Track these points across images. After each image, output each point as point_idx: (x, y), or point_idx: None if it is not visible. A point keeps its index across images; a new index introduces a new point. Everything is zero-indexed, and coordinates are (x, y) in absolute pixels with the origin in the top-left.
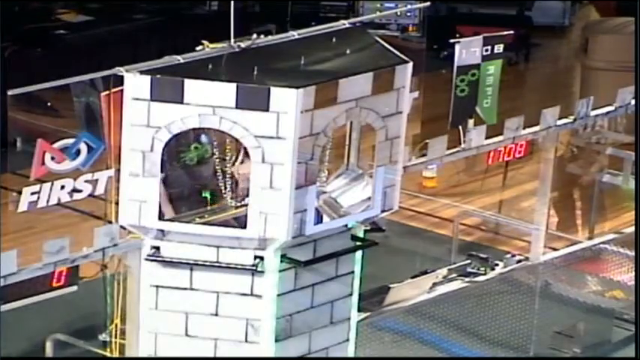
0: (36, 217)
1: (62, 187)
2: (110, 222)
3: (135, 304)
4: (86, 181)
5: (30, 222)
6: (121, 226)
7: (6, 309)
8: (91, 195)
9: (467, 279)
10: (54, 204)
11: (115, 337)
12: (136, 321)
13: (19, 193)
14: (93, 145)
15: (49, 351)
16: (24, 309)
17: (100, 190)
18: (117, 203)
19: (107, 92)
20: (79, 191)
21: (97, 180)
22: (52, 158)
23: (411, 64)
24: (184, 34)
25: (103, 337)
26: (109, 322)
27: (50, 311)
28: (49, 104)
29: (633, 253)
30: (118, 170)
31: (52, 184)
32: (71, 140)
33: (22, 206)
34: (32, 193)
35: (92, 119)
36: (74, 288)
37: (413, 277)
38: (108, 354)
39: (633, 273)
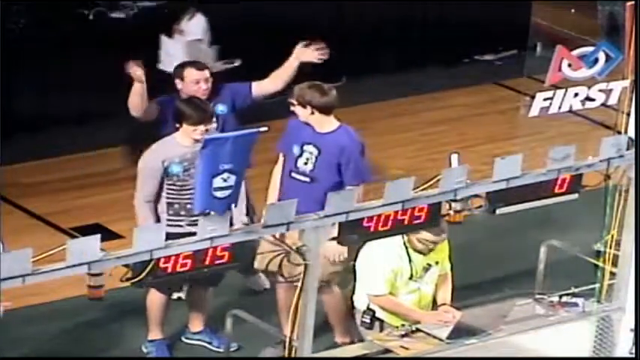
0: (546, 122)
1: (575, 95)
2: (619, 132)
3: (633, 217)
4: (600, 90)
5: (539, 127)
6: (629, 138)
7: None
8: (603, 104)
9: None
10: (565, 111)
11: (610, 248)
12: (631, 234)
13: (533, 97)
14: (611, 55)
15: None
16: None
17: (612, 100)
18: (628, 114)
19: (633, 1)
20: (592, 100)
21: (611, 90)
22: (569, 65)
23: None
24: None
25: (597, 246)
26: (605, 233)
27: (546, 218)
28: (572, 10)
29: None
30: (634, 81)
31: (566, 91)
32: (590, 48)
33: (534, 111)
34: (545, 99)
35: (614, 28)
36: (575, 196)
37: None
38: (600, 264)
39: None
